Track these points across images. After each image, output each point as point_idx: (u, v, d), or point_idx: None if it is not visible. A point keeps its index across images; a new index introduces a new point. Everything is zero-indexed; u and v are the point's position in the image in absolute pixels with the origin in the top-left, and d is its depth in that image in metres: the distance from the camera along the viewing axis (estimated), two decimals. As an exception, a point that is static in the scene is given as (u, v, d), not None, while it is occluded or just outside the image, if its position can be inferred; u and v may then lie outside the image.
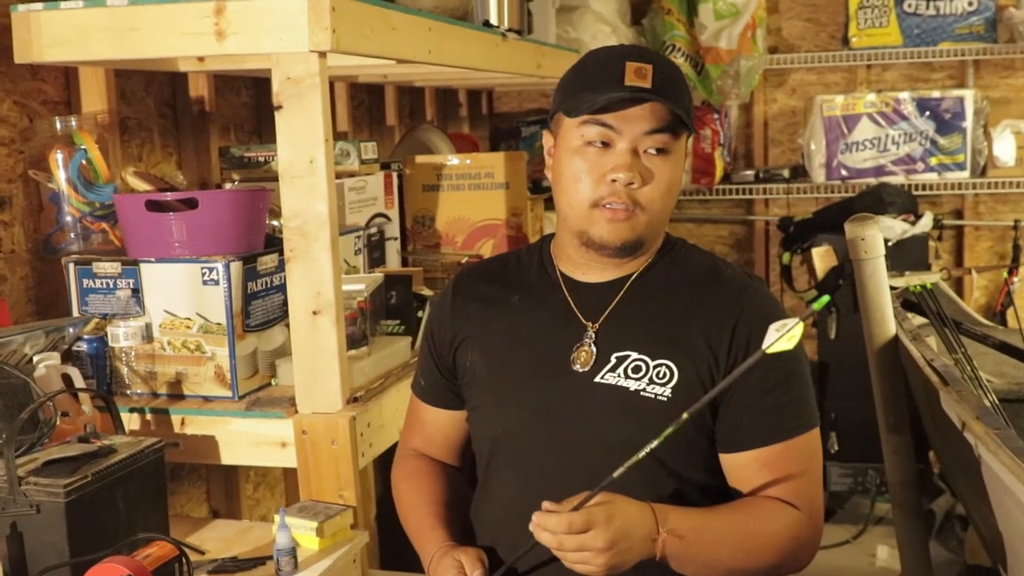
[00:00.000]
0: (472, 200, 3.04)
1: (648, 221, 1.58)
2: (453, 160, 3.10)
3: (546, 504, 1.44)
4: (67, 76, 2.33)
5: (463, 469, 1.82)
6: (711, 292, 1.62)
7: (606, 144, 1.55)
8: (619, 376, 1.58)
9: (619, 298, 1.63)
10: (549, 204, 3.50)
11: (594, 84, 1.55)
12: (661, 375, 1.57)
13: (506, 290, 1.72)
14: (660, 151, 1.56)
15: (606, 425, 1.58)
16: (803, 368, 1.62)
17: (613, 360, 1.59)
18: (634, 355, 1.59)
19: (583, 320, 1.63)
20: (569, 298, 1.66)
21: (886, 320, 2.42)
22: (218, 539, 2.02)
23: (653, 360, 1.58)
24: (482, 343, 1.69)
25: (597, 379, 1.59)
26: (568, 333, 1.63)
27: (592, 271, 1.66)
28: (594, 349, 1.60)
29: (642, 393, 1.57)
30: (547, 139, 1.67)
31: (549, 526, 1.42)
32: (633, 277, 1.64)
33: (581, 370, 1.60)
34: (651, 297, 1.63)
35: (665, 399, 1.56)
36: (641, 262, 1.65)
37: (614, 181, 1.54)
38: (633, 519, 1.46)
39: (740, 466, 1.59)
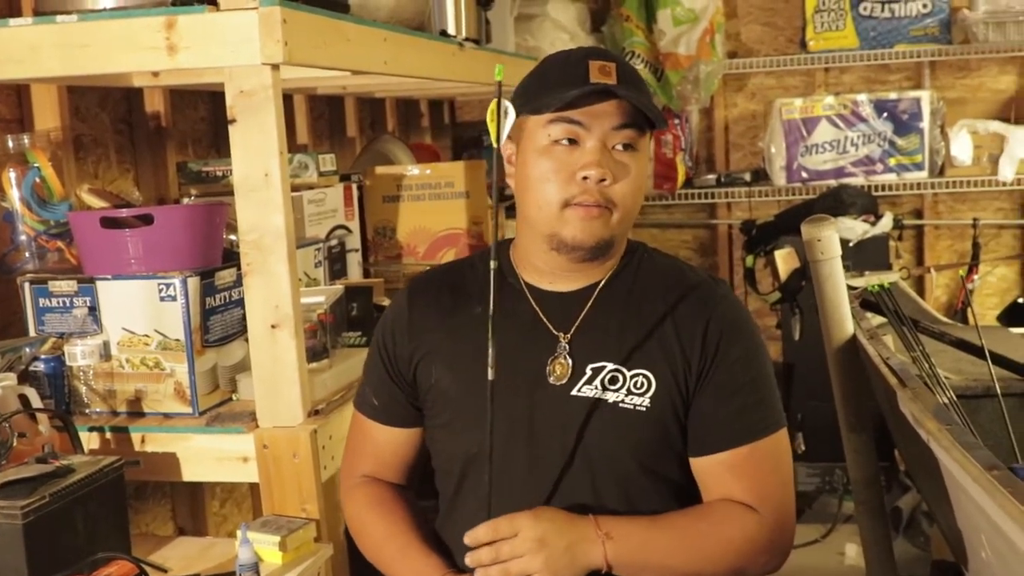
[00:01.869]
0: (433, 210, 3.05)
1: (620, 219, 1.56)
2: (413, 170, 3.10)
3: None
4: (19, 94, 2.32)
5: (413, 488, 1.78)
6: (680, 297, 1.61)
7: (573, 142, 1.53)
8: (596, 388, 1.56)
9: (588, 307, 1.60)
10: (510, 213, 3.52)
11: (558, 83, 1.53)
12: (638, 385, 1.55)
13: (465, 300, 1.66)
14: (628, 147, 1.54)
15: (587, 439, 1.55)
16: (768, 369, 1.62)
17: (589, 372, 1.56)
18: (610, 366, 1.56)
19: (554, 331, 1.60)
20: (537, 308, 1.62)
21: (844, 320, 2.43)
22: (181, 556, 2.01)
23: (629, 370, 1.56)
24: (447, 358, 1.64)
25: (574, 392, 1.56)
26: (540, 345, 1.59)
27: (558, 280, 1.62)
28: (569, 361, 1.57)
29: (621, 405, 1.55)
30: (507, 147, 1.63)
31: (479, 536, 1.44)
32: (601, 285, 1.62)
33: (556, 383, 1.57)
34: (620, 305, 1.61)
35: (644, 409, 1.55)
36: (607, 269, 1.63)
37: (585, 179, 1.51)
38: (563, 519, 1.49)
39: (707, 469, 1.58)
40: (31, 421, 1.93)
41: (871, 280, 2.79)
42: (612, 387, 1.56)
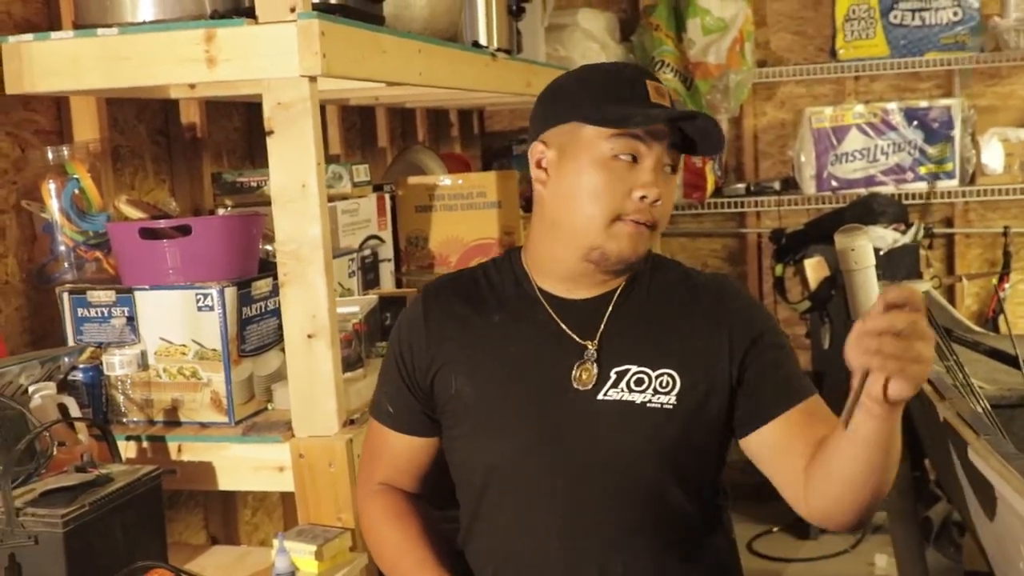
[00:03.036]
0: (465, 220, 3.06)
1: (655, 238, 1.60)
2: (445, 180, 3.11)
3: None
4: (59, 106, 2.35)
5: (428, 496, 1.78)
6: (694, 298, 1.64)
7: (635, 159, 1.54)
8: (622, 391, 1.57)
9: (609, 313, 1.62)
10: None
11: (621, 99, 1.55)
12: (664, 384, 1.57)
13: (483, 308, 1.67)
14: (674, 168, 1.58)
15: (615, 441, 1.57)
16: (786, 346, 1.66)
17: (613, 376, 1.58)
18: (634, 368, 1.58)
19: (578, 339, 1.61)
20: (556, 316, 1.63)
21: (878, 330, 2.43)
22: (217, 565, 2.02)
23: (654, 371, 1.58)
24: (467, 367, 1.64)
25: (600, 396, 1.58)
26: (563, 353, 1.60)
27: (578, 288, 1.64)
28: (595, 367, 1.59)
29: (648, 404, 1.57)
30: (539, 150, 1.62)
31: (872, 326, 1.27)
32: (618, 292, 1.64)
33: (582, 389, 1.58)
34: (639, 310, 1.63)
35: (672, 407, 1.56)
36: (623, 278, 1.65)
37: (643, 198, 1.53)
38: None
39: (774, 434, 1.57)
40: (70, 430, 1.95)
41: (903, 290, 2.78)
42: (638, 388, 1.58)
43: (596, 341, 1.60)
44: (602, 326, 1.61)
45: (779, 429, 1.58)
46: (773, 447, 1.58)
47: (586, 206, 1.55)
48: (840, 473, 1.44)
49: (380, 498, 1.74)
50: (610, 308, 1.63)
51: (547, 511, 1.57)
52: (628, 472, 1.57)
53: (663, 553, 1.58)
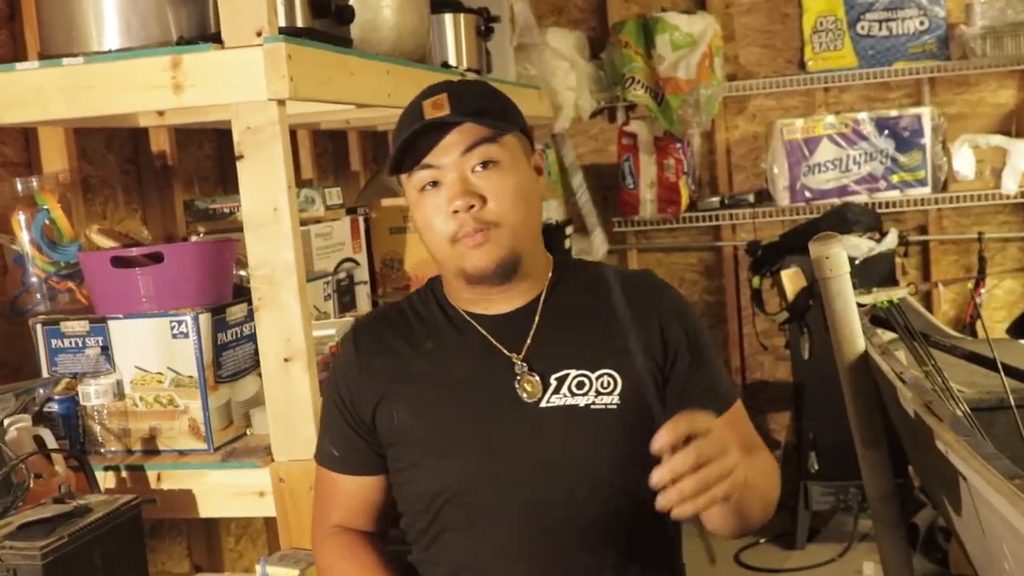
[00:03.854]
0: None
1: (511, 234, 1.58)
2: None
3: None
4: (27, 137, 2.34)
5: (385, 534, 1.78)
6: (624, 294, 1.61)
7: (436, 184, 1.57)
8: (565, 396, 1.59)
9: (537, 322, 1.64)
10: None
11: (400, 134, 1.58)
12: (605, 385, 1.59)
13: (414, 338, 1.68)
14: (487, 164, 1.57)
15: (563, 447, 1.58)
16: (711, 341, 1.71)
17: (554, 382, 1.60)
18: (573, 372, 1.60)
19: (507, 352, 1.62)
20: (487, 333, 1.64)
21: (855, 336, 2.43)
22: (199, 594, 2.00)
23: (594, 372, 1.60)
24: (406, 398, 1.64)
25: (543, 405, 1.59)
26: (499, 369, 1.61)
27: (495, 304, 1.65)
28: (535, 377, 1.60)
29: (592, 407, 1.58)
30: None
31: (665, 441, 1.31)
32: (543, 298, 1.65)
33: (529, 401, 1.59)
34: (567, 313, 1.65)
35: (616, 407, 1.58)
36: (541, 283, 1.66)
37: (456, 212, 1.55)
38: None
39: None
40: (47, 462, 1.93)
41: (880, 296, 2.80)
42: (580, 392, 1.59)
43: (524, 352, 1.61)
44: (530, 336, 1.63)
45: None
46: None
47: (430, 240, 1.61)
48: (710, 516, 1.51)
49: (334, 539, 1.73)
50: (536, 316, 1.64)
51: (504, 526, 1.57)
52: (580, 476, 1.58)
53: (623, 550, 1.60)
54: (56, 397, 2.08)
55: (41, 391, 2.03)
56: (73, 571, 1.66)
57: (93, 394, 2.06)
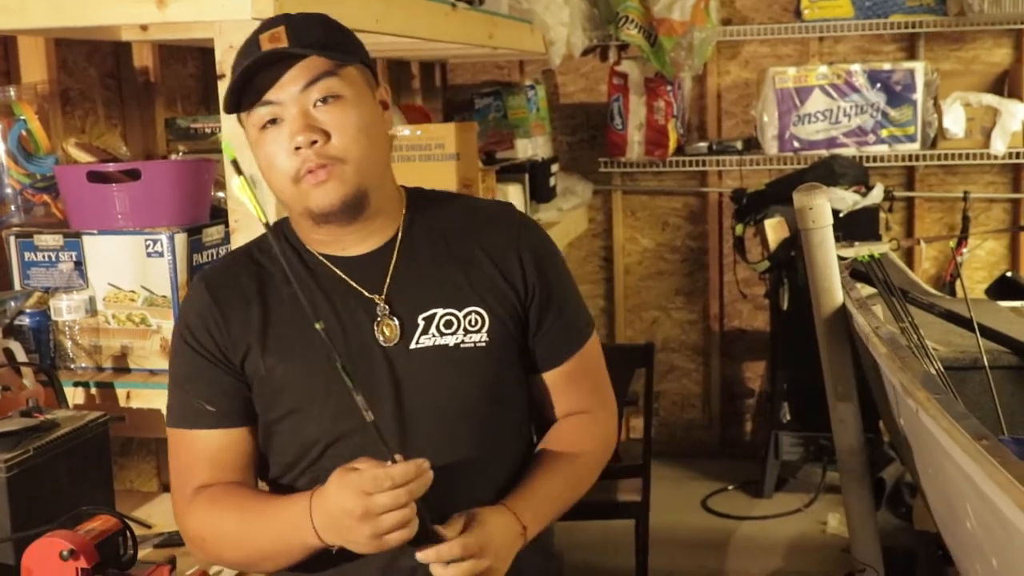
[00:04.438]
0: (423, 171, 3.02)
1: (356, 169, 1.51)
2: (404, 131, 3.08)
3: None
4: (5, 45, 2.29)
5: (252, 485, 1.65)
6: (483, 229, 1.64)
7: (276, 121, 1.50)
8: (433, 336, 1.57)
9: (395, 261, 1.60)
10: (501, 176, 3.50)
11: (239, 69, 1.50)
12: (473, 323, 1.58)
13: (271, 283, 1.59)
14: (329, 99, 1.50)
15: (437, 389, 1.56)
16: (569, 271, 1.72)
17: (421, 323, 1.57)
18: (441, 311, 1.57)
19: (368, 295, 1.58)
20: (345, 276, 1.59)
21: (834, 289, 2.44)
22: (165, 513, 2.00)
23: (461, 310, 1.58)
24: (274, 345, 1.56)
25: (413, 346, 1.56)
26: (361, 312, 1.57)
27: (351, 244, 1.59)
28: (395, 320, 1.56)
29: (462, 346, 1.57)
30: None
31: (443, 555, 1.43)
32: (400, 237, 1.61)
33: (391, 344, 1.56)
34: (428, 251, 1.61)
35: (484, 344, 1.58)
36: (396, 220, 1.62)
37: (298, 149, 1.49)
38: (504, 530, 1.52)
39: (553, 383, 1.67)
40: (15, 375, 1.92)
41: (861, 251, 2.80)
42: (448, 331, 1.57)
43: (383, 294, 1.58)
44: (388, 277, 1.59)
45: (550, 381, 1.68)
46: (542, 395, 1.69)
47: (273, 181, 1.54)
48: None
49: (200, 496, 1.58)
50: (395, 255, 1.60)
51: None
52: (453, 413, 1.56)
53: (499, 485, 1.61)
54: (27, 310, 2.06)
55: (12, 304, 2.01)
56: (38, 485, 1.66)
57: (65, 309, 2.04)
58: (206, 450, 1.59)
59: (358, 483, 1.38)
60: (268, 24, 1.52)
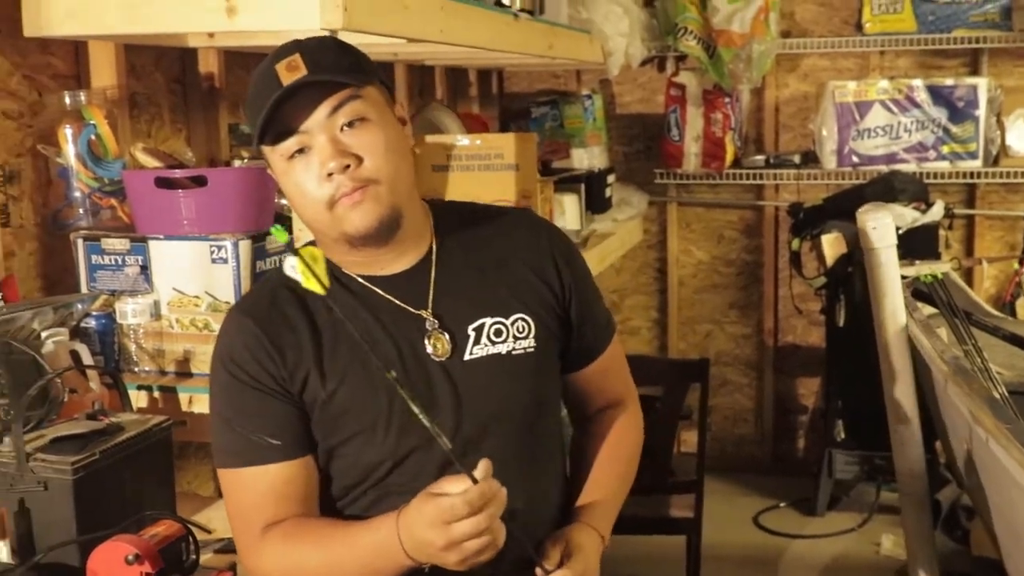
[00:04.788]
0: (482, 181, 3.02)
1: (390, 188, 1.51)
2: (463, 140, 3.08)
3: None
4: (76, 50, 2.32)
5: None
6: (511, 235, 1.67)
7: (303, 150, 1.49)
8: (486, 346, 1.58)
9: (435, 275, 1.60)
10: (559, 187, 3.49)
11: (262, 99, 1.48)
12: (521, 329, 1.61)
13: (316, 309, 1.56)
14: (355, 122, 1.50)
15: (497, 398, 1.58)
16: (590, 271, 1.78)
17: (472, 334, 1.58)
18: (489, 320, 1.59)
19: (414, 311, 1.58)
20: (387, 295, 1.58)
21: (897, 310, 2.41)
22: (224, 518, 2.00)
23: (508, 318, 1.60)
24: (329, 368, 1.55)
25: (467, 358, 1.57)
26: (411, 328, 1.57)
27: (388, 262, 1.59)
28: (445, 334, 1.57)
29: (513, 353, 1.59)
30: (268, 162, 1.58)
31: None
32: (435, 250, 1.62)
33: (444, 358, 1.56)
34: (464, 261, 1.62)
35: (532, 349, 1.61)
36: (427, 233, 1.62)
37: (330, 175, 1.48)
38: (593, 549, 1.60)
39: (590, 377, 1.74)
40: (82, 378, 1.94)
41: (923, 270, 2.76)
42: (499, 339, 1.59)
43: (430, 308, 1.58)
44: (431, 291, 1.59)
45: (587, 375, 1.74)
46: (576, 390, 1.76)
47: (304, 209, 1.53)
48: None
49: (272, 532, 1.54)
50: (433, 269, 1.61)
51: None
52: (508, 421, 1.59)
53: (552, 481, 1.68)
54: (93, 313, 2.08)
55: (79, 306, 2.04)
56: (102, 488, 1.67)
57: (130, 312, 2.06)
58: (271, 485, 1.55)
59: (436, 515, 1.38)
60: (282, 53, 1.51)
